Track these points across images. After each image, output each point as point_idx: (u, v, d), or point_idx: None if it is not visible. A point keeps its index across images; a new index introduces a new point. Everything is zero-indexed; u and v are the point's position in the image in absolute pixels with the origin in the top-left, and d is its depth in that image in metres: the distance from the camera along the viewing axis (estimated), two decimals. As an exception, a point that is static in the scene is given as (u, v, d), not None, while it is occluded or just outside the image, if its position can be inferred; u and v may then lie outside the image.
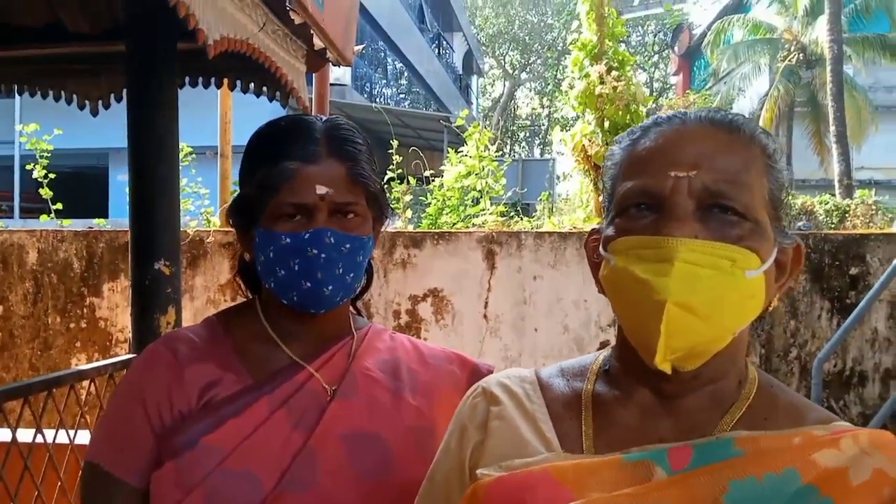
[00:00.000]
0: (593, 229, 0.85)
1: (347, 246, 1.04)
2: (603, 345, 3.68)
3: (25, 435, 1.90)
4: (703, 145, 0.75)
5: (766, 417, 0.77)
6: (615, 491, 0.72)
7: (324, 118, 1.12)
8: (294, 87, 2.58)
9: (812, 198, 13.77)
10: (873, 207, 12.41)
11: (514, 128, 29.67)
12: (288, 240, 1.01)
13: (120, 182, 15.76)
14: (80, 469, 2.01)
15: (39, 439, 1.93)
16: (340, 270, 1.03)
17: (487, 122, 26.60)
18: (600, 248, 0.80)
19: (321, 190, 1.02)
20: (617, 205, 0.78)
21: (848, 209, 12.24)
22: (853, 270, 3.82)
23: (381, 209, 1.11)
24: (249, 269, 1.14)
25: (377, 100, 18.02)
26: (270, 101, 2.71)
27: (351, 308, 1.18)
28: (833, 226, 11.69)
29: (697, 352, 0.73)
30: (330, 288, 1.03)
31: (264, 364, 1.07)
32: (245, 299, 1.18)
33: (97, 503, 1.03)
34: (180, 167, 4.56)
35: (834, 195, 14.88)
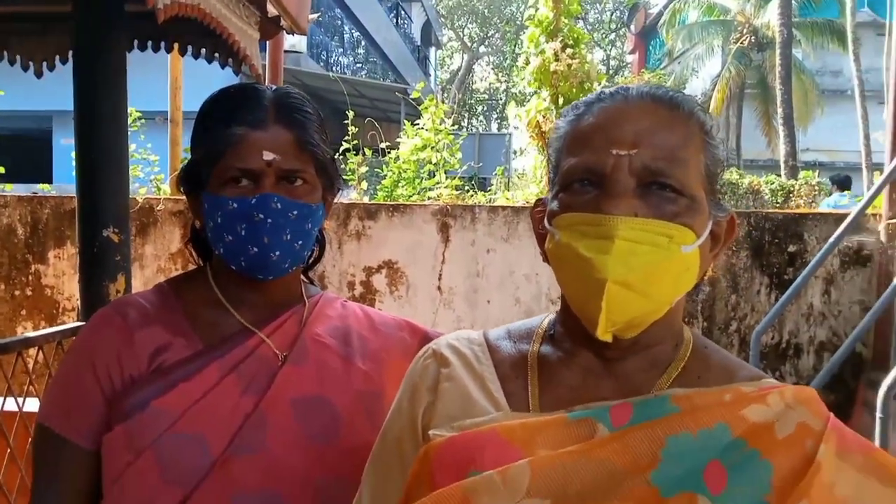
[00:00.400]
0: (538, 200, 0.88)
1: (295, 212, 1.04)
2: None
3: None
4: (644, 123, 0.77)
5: (700, 376, 0.82)
6: (561, 448, 0.75)
7: (274, 87, 1.12)
8: (246, 54, 2.54)
9: (759, 178, 14.18)
10: (816, 188, 12.85)
11: (472, 101, 29.59)
12: (235, 205, 1.02)
13: (64, 146, 15.21)
14: (30, 436, 1.99)
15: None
16: (288, 237, 1.04)
17: (445, 95, 26.46)
18: (545, 221, 0.82)
19: (268, 156, 1.02)
20: (561, 179, 0.81)
21: (792, 189, 12.66)
22: (791, 248, 3.99)
23: (330, 178, 1.12)
24: (200, 236, 1.14)
25: (333, 69, 17.73)
26: (222, 67, 2.66)
27: (303, 277, 1.19)
28: (778, 205, 12.06)
29: (636, 322, 0.77)
30: (277, 254, 1.03)
31: (215, 329, 1.08)
32: (196, 267, 1.18)
33: (48, 464, 1.04)
34: (129, 133, 4.45)
35: (780, 175, 15.34)
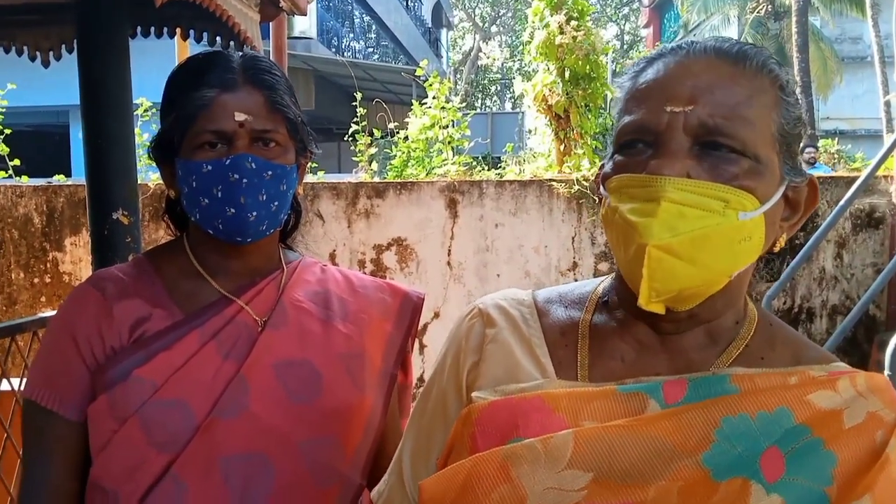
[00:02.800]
0: (602, 164, 0.82)
1: (269, 173, 1.04)
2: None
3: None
4: (704, 78, 0.71)
5: (763, 356, 0.76)
6: (608, 421, 0.72)
7: (241, 52, 1.13)
8: (248, 36, 2.57)
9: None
10: (835, 156, 12.66)
11: (486, 81, 29.42)
12: (209, 167, 1.02)
13: (81, 140, 15.39)
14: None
15: (5, 386, 1.98)
16: (264, 197, 1.04)
17: (459, 76, 26.33)
18: (600, 185, 0.78)
19: (240, 117, 1.02)
20: (616, 140, 0.76)
21: (811, 158, 12.48)
22: (802, 213, 3.95)
23: (303, 141, 1.11)
24: (176, 206, 1.14)
25: (345, 53, 17.73)
26: (225, 49, 2.70)
27: (281, 244, 1.20)
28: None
29: (688, 294, 0.71)
30: (254, 214, 1.03)
31: (194, 299, 1.08)
32: (172, 238, 1.18)
33: (37, 437, 1.05)
34: (140, 122, 4.52)
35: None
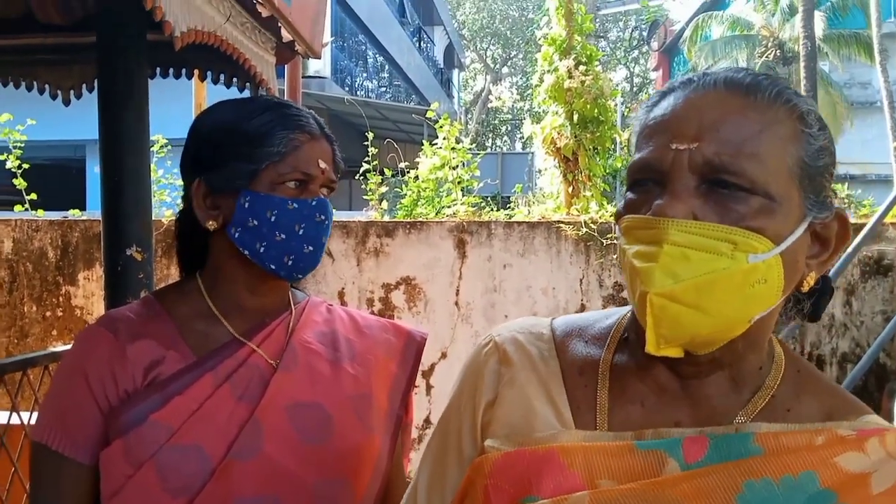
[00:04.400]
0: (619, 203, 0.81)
1: (332, 219, 1.13)
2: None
3: (1, 416, 1.95)
4: (711, 113, 0.68)
5: (790, 409, 0.72)
6: (625, 480, 0.69)
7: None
8: (263, 78, 2.64)
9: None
10: (846, 201, 12.67)
11: (496, 122, 29.75)
12: (295, 205, 1.06)
13: (97, 174, 15.58)
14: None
15: (15, 419, 1.99)
16: (325, 239, 1.12)
17: (469, 116, 26.64)
18: (616, 224, 0.75)
19: (322, 164, 1.09)
20: (628, 178, 0.74)
21: (820, 202, 12.47)
22: (811, 258, 3.95)
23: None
24: (193, 244, 1.15)
25: (357, 92, 18.00)
26: (240, 91, 2.76)
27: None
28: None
29: (704, 340, 0.69)
30: (320, 254, 1.11)
31: (206, 341, 1.09)
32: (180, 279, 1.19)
33: (46, 482, 1.04)
34: (155, 158, 4.59)
35: (808, 189, 15.11)
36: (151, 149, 2.65)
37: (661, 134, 0.69)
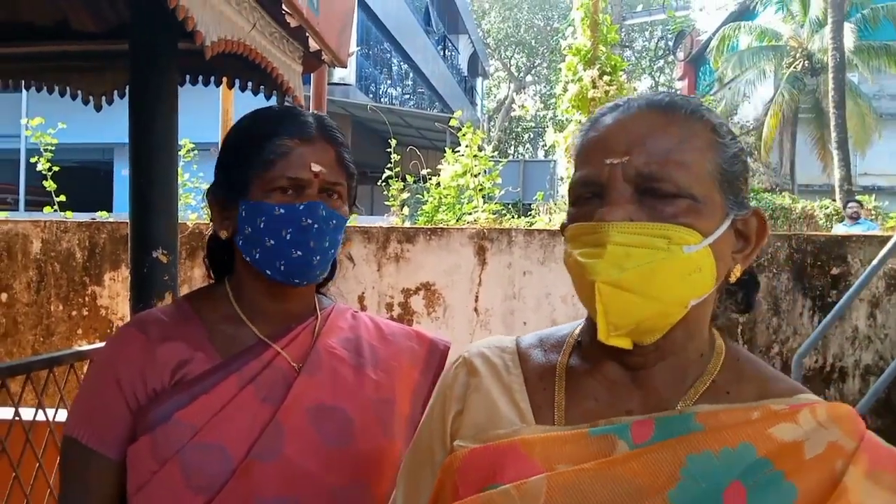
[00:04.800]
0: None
1: (334, 222, 1.11)
2: (590, 340, 3.78)
3: (27, 413, 2.00)
4: (637, 130, 0.77)
5: (729, 391, 0.79)
6: (580, 464, 0.75)
7: (312, 111, 1.19)
8: (290, 86, 2.69)
9: (813, 202, 13.84)
10: (872, 212, 12.48)
11: (519, 129, 29.75)
12: (282, 210, 1.07)
13: (124, 177, 15.81)
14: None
15: (41, 416, 2.04)
16: (327, 244, 1.10)
17: (492, 125, 26.66)
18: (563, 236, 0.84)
19: (316, 167, 1.09)
20: (569, 194, 0.83)
21: (847, 214, 12.30)
22: (835, 270, 3.91)
23: (353, 198, 1.18)
24: (220, 251, 1.19)
25: (381, 100, 18.13)
26: (267, 98, 2.81)
27: (316, 291, 1.24)
28: (832, 228, 11.76)
29: (648, 326, 0.76)
30: (317, 258, 1.09)
31: (232, 343, 1.12)
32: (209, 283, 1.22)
33: (76, 475, 1.07)
34: (182, 162, 4.66)
35: (835, 201, 14.96)
36: (178, 153, 2.70)
37: (597, 152, 0.79)
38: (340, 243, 1.16)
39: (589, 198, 0.79)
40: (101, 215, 5.09)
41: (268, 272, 1.10)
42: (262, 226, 1.08)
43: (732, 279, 0.81)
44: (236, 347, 1.11)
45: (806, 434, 0.73)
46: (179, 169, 4.11)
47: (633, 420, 0.77)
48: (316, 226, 1.07)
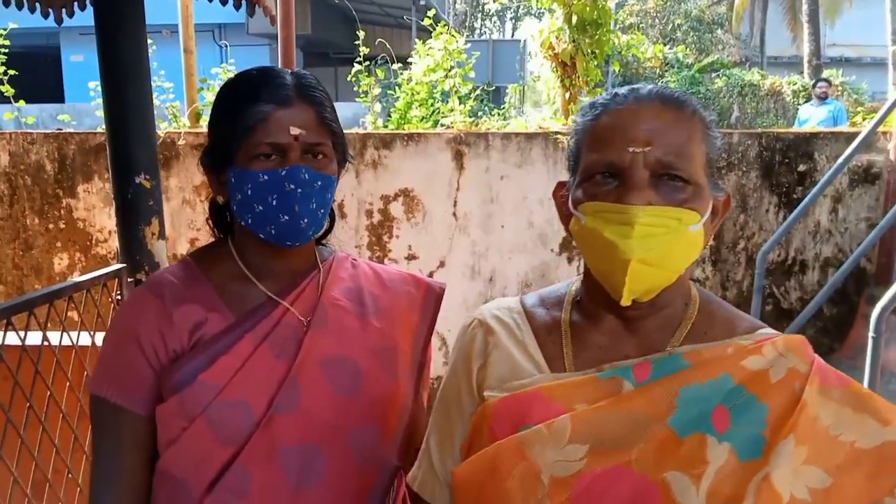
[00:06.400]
0: (559, 183, 1.02)
1: (319, 183, 1.12)
2: (565, 239, 3.89)
3: (34, 339, 2.06)
4: (656, 123, 0.89)
5: (706, 332, 0.95)
6: (594, 402, 0.90)
7: (290, 70, 1.18)
8: (260, -4, 2.58)
9: (781, 79, 13.81)
10: (839, 88, 12.52)
11: (484, 1, 28.54)
12: (266, 177, 1.09)
13: (73, 63, 15.08)
14: (84, 369, 2.20)
15: (48, 343, 2.10)
16: (314, 205, 1.12)
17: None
18: (570, 206, 0.95)
19: (295, 131, 1.09)
20: (583, 171, 0.93)
21: (814, 90, 12.33)
22: (801, 167, 4.03)
23: (343, 152, 1.20)
24: (220, 211, 1.22)
25: (341, -27, 17.12)
26: (237, 9, 2.70)
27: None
28: (800, 105, 11.81)
29: (653, 289, 0.91)
30: (305, 221, 1.12)
31: (243, 301, 1.17)
32: (215, 240, 1.26)
33: (108, 430, 1.13)
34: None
35: (803, 75, 14.93)
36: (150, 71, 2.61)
37: (618, 138, 0.90)
38: (331, 200, 1.18)
39: (606, 178, 0.90)
40: (64, 119, 4.92)
41: (261, 236, 1.14)
42: (249, 193, 1.11)
43: (706, 246, 0.97)
44: (247, 306, 1.16)
45: (769, 363, 0.89)
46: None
47: (634, 363, 0.92)
48: (300, 190, 1.10)
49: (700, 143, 0.92)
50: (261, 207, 1.11)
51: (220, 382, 1.10)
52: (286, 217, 1.11)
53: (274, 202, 1.10)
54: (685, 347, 0.93)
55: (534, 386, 0.95)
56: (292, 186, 1.09)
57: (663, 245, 0.87)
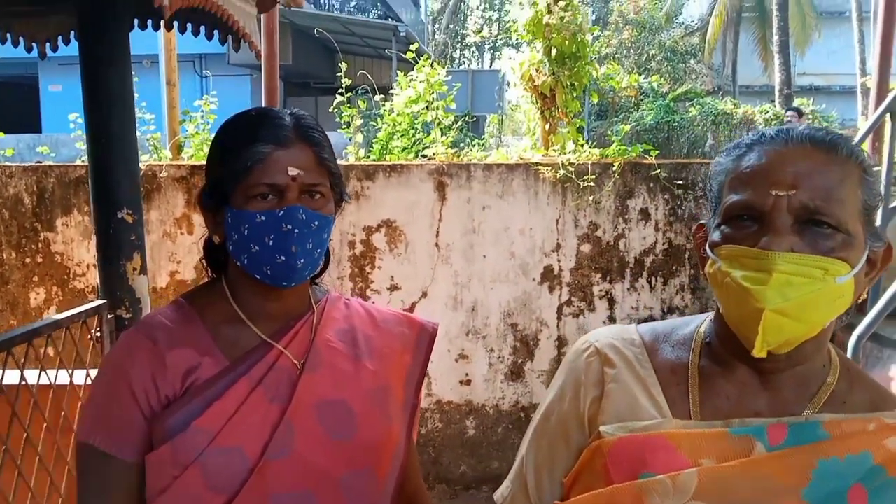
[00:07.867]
0: (699, 224, 0.98)
1: (316, 223, 1.12)
2: (546, 269, 3.91)
3: (12, 378, 2.02)
4: (803, 165, 0.84)
5: (845, 401, 0.90)
6: (723, 459, 0.86)
7: (290, 111, 1.19)
8: (246, 32, 2.60)
9: (753, 108, 14.13)
10: (810, 117, 12.82)
11: (464, 32, 28.93)
12: (263, 217, 1.09)
13: (51, 93, 14.99)
14: (61, 410, 2.15)
15: (25, 382, 2.06)
16: (310, 245, 1.12)
17: (437, 27, 25.85)
18: (707, 249, 0.91)
19: (293, 171, 1.09)
20: (723, 213, 0.89)
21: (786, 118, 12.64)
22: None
23: (340, 192, 1.20)
24: (214, 250, 1.22)
25: (322, 4, 17.31)
26: (222, 44, 2.72)
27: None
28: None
29: (791, 342, 0.85)
30: (301, 261, 1.11)
31: (236, 345, 1.16)
32: (207, 280, 1.25)
33: (94, 479, 1.10)
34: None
35: (774, 104, 15.27)
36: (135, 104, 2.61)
37: (760, 180, 0.85)
38: (327, 240, 1.18)
39: (746, 221, 0.86)
40: (43, 151, 4.88)
41: (257, 276, 1.13)
42: (246, 233, 1.10)
43: (860, 300, 0.92)
44: (241, 349, 1.15)
45: None
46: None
47: (768, 423, 0.88)
48: (296, 230, 1.10)
49: (854, 187, 0.85)
50: (257, 248, 1.11)
51: (213, 429, 1.08)
52: (283, 257, 1.10)
53: (270, 242, 1.10)
54: (825, 416, 0.88)
55: (658, 431, 0.91)
56: (289, 227, 1.09)
57: (804, 296, 0.81)
